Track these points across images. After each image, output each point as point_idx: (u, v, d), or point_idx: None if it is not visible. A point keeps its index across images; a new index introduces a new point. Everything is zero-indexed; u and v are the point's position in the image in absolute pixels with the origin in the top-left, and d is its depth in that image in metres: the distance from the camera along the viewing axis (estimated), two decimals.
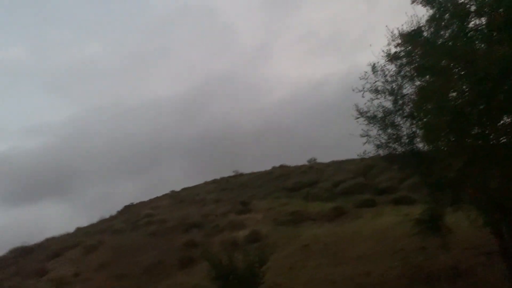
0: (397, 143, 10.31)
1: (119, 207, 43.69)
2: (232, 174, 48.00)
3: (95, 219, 37.09)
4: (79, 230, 33.26)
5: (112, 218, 37.31)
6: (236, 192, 35.13)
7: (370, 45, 10.49)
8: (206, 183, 47.50)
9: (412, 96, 9.81)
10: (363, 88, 10.55)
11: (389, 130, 10.37)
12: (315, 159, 41.93)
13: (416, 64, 9.23)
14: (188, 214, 26.99)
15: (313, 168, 37.88)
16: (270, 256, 12.03)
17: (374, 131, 10.56)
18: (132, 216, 32.96)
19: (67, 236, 30.53)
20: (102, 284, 17.76)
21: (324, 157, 47.20)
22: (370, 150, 10.70)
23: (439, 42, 8.31)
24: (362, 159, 16.72)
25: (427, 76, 8.91)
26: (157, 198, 45.06)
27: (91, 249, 22.77)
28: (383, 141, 10.45)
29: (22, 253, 27.21)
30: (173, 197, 41.94)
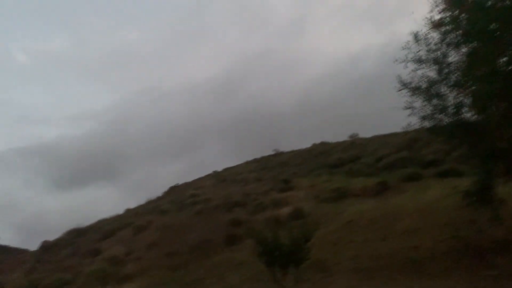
0: (443, 114, 9.95)
1: (164, 188, 45.07)
2: (272, 153, 48.15)
3: (142, 201, 38.48)
4: (128, 211, 34.64)
5: (158, 199, 38.57)
6: (277, 171, 35.28)
7: (412, 12, 10.09)
8: (247, 163, 47.98)
9: (459, 64, 9.38)
10: (406, 59, 10.21)
11: (434, 101, 10.02)
12: (356, 135, 41.22)
13: (463, 30, 8.79)
14: (231, 193, 27.45)
15: (355, 143, 37.32)
16: (315, 232, 12.07)
17: (418, 102, 10.24)
18: (178, 197, 33.91)
19: (118, 217, 31.90)
20: (152, 262, 18.49)
21: (366, 132, 46.31)
22: (414, 122, 10.41)
23: (488, 5, 7.85)
24: (406, 132, 16.29)
25: (475, 42, 8.48)
26: (200, 178, 46.08)
27: (140, 229, 23.72)
28: (428, 112, 10.12)
29: (77, 235, 28.78)
30: (216, 177, 42.71)
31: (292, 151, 45.37)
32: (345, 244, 13.80)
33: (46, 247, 28.95)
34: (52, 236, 30.85)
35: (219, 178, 40.92)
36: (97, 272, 17.91)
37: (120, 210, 35.70)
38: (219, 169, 48.73)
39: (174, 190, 43.30)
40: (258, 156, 49.47)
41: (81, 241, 26.68)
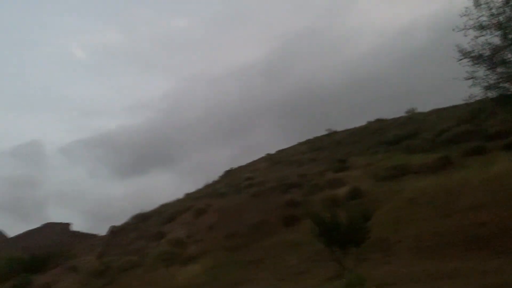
0: (509, 82, 9.33)
1: (220, 172, 45.95)
2: (325, 132, 47.48)
3: (199, 185, 39.54)
4: (187, 195, 35.77)
5: (215, 182, 39.45)
6: (331, 151, 34.82)
7: None
8: (300, 144, 47.69)
9: None
10: (465, 26, 9.62)
11: (499, 69, 9.40)
12: (414, 109, 39.56)
13: None
14: (286, 175, 27.51)
15: (412, 118, 35.93)
16: (374, 211, 11.89)
17: (480, 71, 9.66)
18: (233, 180, 34.51)
19: (178, 201, 33.06)
20: (213, 243, 19.09)
21: (424, 106, 44.32)
22: (477, 93, 9.84)
23: None
24: (468, 104, 15.34)
25: None
26: (254, 161, 46.48)
27: (200, 212, 24.47)
28: (492, 81, 9.53)
29: (141, 219, 30.20)
30: (269, 159, 42.90)
31: (346, 130, 44.46)
32: (406, 222, 13.47)
33: (114, 231, 30.67)
34: (118, 221, 32.66)
35: (273, 160, 41.06)
36: (163, 254, 18.78)
37: (179, 195, 36.95)
38: (272, 151, 48.87)
39: (229, 173, 44.06)
40: (310, 136, 48.97)
41: (145, 225, 27.99)
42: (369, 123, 42.58)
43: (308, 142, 46.58)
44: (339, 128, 47.09)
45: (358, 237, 10.97)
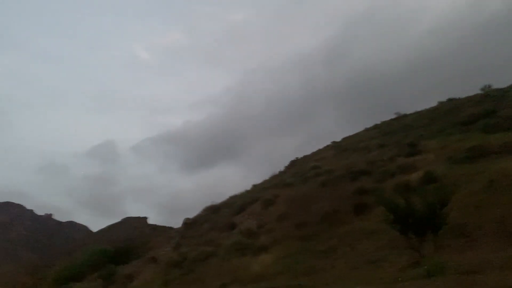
0: None
1: (285, 162, 46.09)
2: (393, 116, 45.79)
3: (266, 176, 39.96)
4: (255, 186, 36.28)
5: (281, 173, 39.63)
6: (401, 135, 33.51)
7: None
8: (366, 130, 46.41)
9: None
10: None
11: None
12: (490, 86, 36.94)
13: None
14: (354, 162, 26.94)
15: (489, 95, 33.54)
16: (451, 196, 11.28)
17: None
18: (300, 170, 34.42)
19: (246, 192, 33.65)
20: (283, 233, 19.20)
21: (500, 83, 41.19)
22: None
23: None
24: None
25: None
26: (320, 150, 46.00)
27: (269, 203, 24.72)
28: None
29: (213, 211, 31.11)
30: (336, 147, 42.21)
31: (416, 112, 42.52)
32: (488, 206, 12.65)
33: (188, 223, 31.90)
34: (190, 214, 34.01)
35: (339, 148, 40.33)
36: (235, 244, 19.23)
37: (246, 186, 37.60)
38: (337, 138, 48.05)
39: (295, 163, 44.01)
40: (378, 121, 47.48)
41: (217, 217, 28.80)
42: (440, 103, 40.45)
43: (375, 127, 45.15)
44: (408, 110, 45.24)
45: (435, 223, 10.50)
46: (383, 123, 45.63)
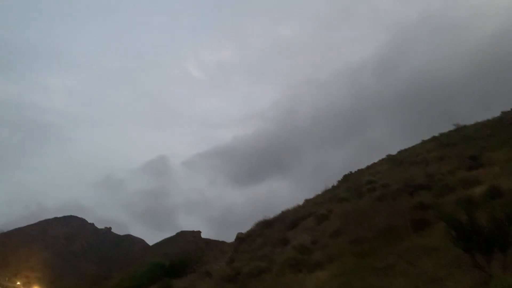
0: None
1: (337, 175, 45.42)
2: (452, 127, 43.85)
3: (316, 189, 39.54)
4: (307, 201, 35.97)
5: (334, 187, 39.05)
6: (461, 147, 31.99)
7: None
8: (423, 142, 44.72)
9: None
10: None
11: None
12: None
13: None
14: (411, 176, 26.00)
15: None
16: None
17: None
18: (354, 184, 33.74)
19: (299, 207, 33.42)
20: (339, 249, 18.79)
21: None
22: None
23: None
24: None
25: None
26: (374, 163, 44.89)
27: (322, 218, 24.38)
28: None
29: (265, 226, 31.15)
30: (391, 160, 41.02)
31: (477, 123, 40.44)
32: None
33: (241, 238, 32.11)
34: (241, 228, 34.30)
35: (395, 161, 39.13)
36: (289, 260, 19.07)
37: (297, 200, 37.40)
38: (391, 151, 46.67)
39: (348, 177, 43.22)
40: (435, 133, 45.64)
41: (269, 232, 28.77)
42: (504, 113, 38.21)
43: (433, 139, 43.39)
44: (468, 121, 43.18)
45: (502, 241, 9.86)
46: (442, 134, 43.79)
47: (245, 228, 33.15)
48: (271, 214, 33.34)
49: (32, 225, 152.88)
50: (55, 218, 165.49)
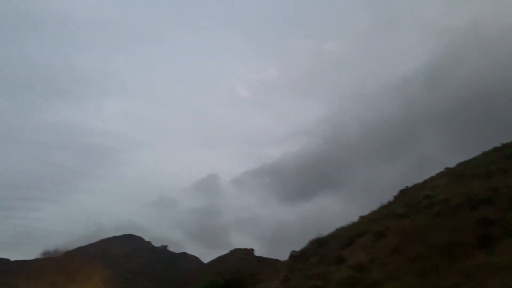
0: None
1: (391, 190, 44.09)
2: None
3: (368, 206, 38.54)
4: (362, 218, 35.05)
5: (390, 203, 37.79)
6: None
7: None
8: (484, 153, 42.40)
9: None
10: None
11: None
12: None
13: None
14: (473, 190, 24.67)
15: None
16: None
17: None
18: (411, 199, 32.49)
19: (354, 224, 32.64)
20: (397, 268, 18.11)
21: None
22: None
23: None
24: None
25: None
26: (431, 177, 43.06)
27: (379, 235, 23.65)
28: None
29: (319, 244, 30.65)
30: (449, 174, 39.17)
31: None
32: None
33: (295, 256, 31.75)
34: (294, 245, 33.91)
35: (454, 174, 37.30)
36: (346, 279, 18.62)
37: (349, 217, 36.60)
38: (448, 164, 44.48)
39: (404, 192, 41.71)
40: (497, 144, 43.13)
41: (324, 250, 28.26)
42: None
43: (495, 150, 41.01)
44: None
45: None
46: (504, 145, 41.32)
47: (297, 246, 32.81)
48: (324, 231, 32.83)
49: (93, 244, 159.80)
50: (114, 237, 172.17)
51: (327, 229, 33.63)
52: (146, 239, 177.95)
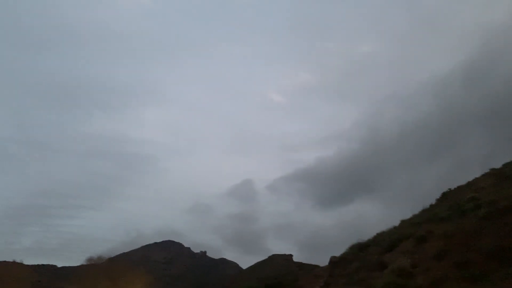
0: None
1: (429, 192, 42.72)
2: None
3: (409, 209, 37.43)
4: (404, 222, 34.12)
5: (432, 206, 36.60)
6: None
7: None
8: None
9: None
10: None
11: None
12: None
13: None
14: None
15: None
16: None
17: None
18: (455, 202, 31.37)
19: (395, 229, 31.84)
20: (443, 273, 17.49)
21: None
22: None
23: None
24: None
25: None
26: (475, 179, 41.38)
27: (422, 240, 22.93)
28: None
29: (359, 249, 30.06)
30: (496, 175, 37.50)
31: None
32: None
33: (335, 262, 31.28)
34: (332, 251, 33.40)
35: (501, 175, 35.70)
36: (389, 284, 18.16)
37: (389, 221, 35.71)
38: (493, 165, 42.56)
39: (447, 195, 40.30)
40: None
41: (365, 255, 27.69)
42: None
43: None
44: None
45: None
46: None
47: (336, 252, 32.31)
48: (363, 236, 32.20)
49: (135, 250, 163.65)
50: (155, 243, 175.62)
51: (367, 234, 32.98)
52: (186, 245, 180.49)
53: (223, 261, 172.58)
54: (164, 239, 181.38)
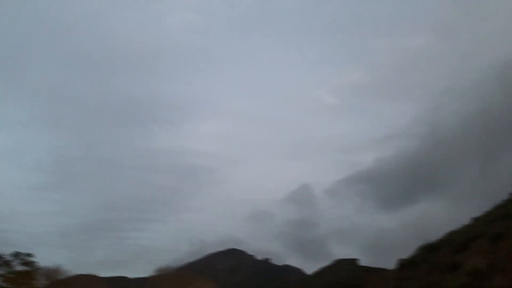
0: None
1: (502, 187, 40.12)
2: None
3: (481, 206, 35.33)
4: (476, 220, 32.33)
5: (506, 202, 34.41)
6: None
7: None
8: None
9: None
10: None
11: None
12: None
13: None
14: None
15: None
16: None
17: None
18: None
19: (466, 227, 30.25)
20: None
21: None
22: None
23: None
24: None
25: None
26: None
27: (497, 238, 21.60)
28: None
29: (428, 250, 28.83)
30: None
31: None
32: None
33: (403, 264, 30.18)
34: (397, 253, 32.21)
35: None
36: (463, 287, 17.22)
37: (458, 220, 33.91)
38: None
39: None
40: None
41: (435, 256, 26.50)
42: None
43: None
44: None
45: None
46: None
47: (402, 254, 31.20)
48: (432, 236, 30.83)
49: (200, 259, 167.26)
50: (219, 252, 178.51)
51: (435, 234, 31.54)
52: (249, 252, 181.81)
53: (287, 267, 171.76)
54: (226, 248, 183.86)
